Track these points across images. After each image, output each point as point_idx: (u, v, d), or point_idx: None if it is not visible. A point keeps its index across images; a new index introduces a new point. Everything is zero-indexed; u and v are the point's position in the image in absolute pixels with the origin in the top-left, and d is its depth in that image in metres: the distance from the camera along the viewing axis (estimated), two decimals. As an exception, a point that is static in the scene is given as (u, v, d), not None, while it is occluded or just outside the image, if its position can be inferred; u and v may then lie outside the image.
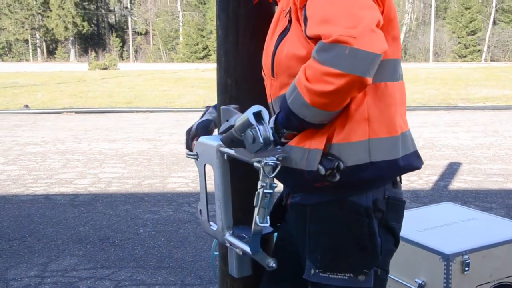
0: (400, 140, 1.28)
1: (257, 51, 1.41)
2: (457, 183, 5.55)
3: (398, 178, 1.37)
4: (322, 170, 1.20)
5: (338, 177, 1.22)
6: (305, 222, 1.33)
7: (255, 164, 1.17)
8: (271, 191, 1.14)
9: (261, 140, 1.06)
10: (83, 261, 3.62)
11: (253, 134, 1.08)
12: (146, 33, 55.78)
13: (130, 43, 54.72)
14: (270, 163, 1.13)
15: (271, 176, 1.14)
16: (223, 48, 1.52)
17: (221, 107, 1.23)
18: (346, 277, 1.30)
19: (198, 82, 19.64)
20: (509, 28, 43.17)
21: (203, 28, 47.58)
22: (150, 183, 5.70)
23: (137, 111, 12.11)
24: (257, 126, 1.06)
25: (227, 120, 1.18)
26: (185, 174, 6.10)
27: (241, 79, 1.51)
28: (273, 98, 1.35)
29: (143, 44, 54.91)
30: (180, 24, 51.98)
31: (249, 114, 1.07)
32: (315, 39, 1.16)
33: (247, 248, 1.33)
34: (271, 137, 1.08)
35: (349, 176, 1.23)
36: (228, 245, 1.42)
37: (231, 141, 1.17)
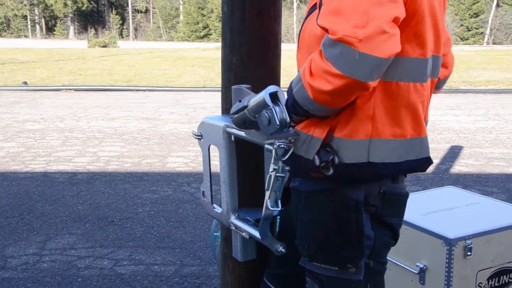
0: (406, 145, 1.22)
1: (264, 29, 1.36)
2: (458, 167, 5.52)
3: None
4: (317, 161, 1.17)
5: (331, 171, 1.18)
6: (299, 208, 1.30)
7: (267, 146, 1.13)
8: (283, 174, 1.10)
9: (278, 122, 1.02)
10: (81, 239, 3.60)
11: (269, 115, 1.03)
12: (146, 11, 55.35)
13: (130, 21, 54.31)
14: (283, 146, 1.09)
15: (284, 159, 1.10)
16: (229, 25, 1.48)
17: (233, 87, 1.18)
18: (336, 268, 1.27)
19: (198, 61, 19.51)
20: (513, 10, 42.80)
21: (203, 6, 47.19)
22: (150, 162, 5.67)
23: (136, 90, 12.03)
24: (273, 107, 1.02)
25: (240, 101, 1.13)
26: (185, 154, 6.07)
27: (246, 57, 1.46)
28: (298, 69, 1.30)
29: (143, 22, 54.53)
30: (181, 2, 51.54)
31: (265, 94, 1.02)
32: (324, 30, 1.11)
33: (255, 233, 1.30)
34: (287, 119, 1.03)
35: (343, 172, 1.19)
36: (233, 228, 1.39)
37: (243, 122, 1.13)
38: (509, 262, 2.42)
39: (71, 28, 52.64)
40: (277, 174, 1.09)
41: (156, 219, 4.00)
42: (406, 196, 1.33)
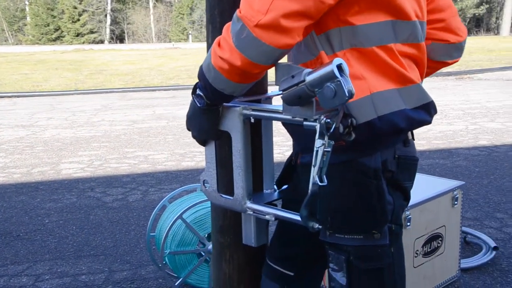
0: (402, 92, 1.26)
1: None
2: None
3: (410, 136, 1.37)
4: (341, 128, 1.19)
5: (353, 135, 1.20)
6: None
7: (308, 123, 1.13)
8: (329, 149, 1.10)
9: (347, 93, 1.02)
10: (-12, 259, 3.26)
11: (335, 88, 1.02)
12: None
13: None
14: (329, 120, 1.09)
15: (329, 133, 1.10)
16: (218, 8, 1.44)
17: (280, 63, 1.15)
18: (362, 236, 1.30)
19: (62, 64, 18.47)
20: None
21: (53, 7, 44.44)
22: (41, 171, 5.27)
23: (0, 97, 11.07)
24: (341, 78, 1.01)
25: (292, 76, 1.10)
26: (78, 159, 5.73)
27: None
28: None
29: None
30: (27, 2, 48.01)
31: (334, 66, 1.02)
32: None
33: (286, 214, 1.30)
34: (353, 90, 1.04)
35: (361, 135, 1.22)
36: (251, 213, 1.35)
37: (298, 98, 1.11)
38: (438, 228, 2.65)
39: None
40: (324, 149, 1.09)
41: (67, 228, 3.74)
42: (417, 160, 1.38)
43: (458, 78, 13.05)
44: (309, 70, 1.09)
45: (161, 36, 45.71)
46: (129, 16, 45.96)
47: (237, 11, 1.16)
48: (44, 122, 8.06)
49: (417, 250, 2.56)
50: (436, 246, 2.66)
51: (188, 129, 1.43)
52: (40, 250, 3.38)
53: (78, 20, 44.09)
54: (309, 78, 1.06)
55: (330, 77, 1.02)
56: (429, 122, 1.34)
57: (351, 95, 1.03)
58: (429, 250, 2.63)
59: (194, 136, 1.43)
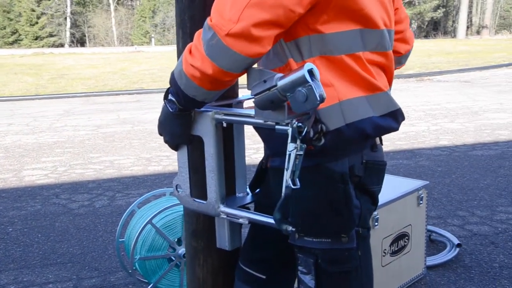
0: (370, 100, 1.28)
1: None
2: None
3: (378, 141, 1.39)
4: (312, 133, 1.21)
5: (323, 140, 1.23)
6: (282, 188, 1.32)
7: (280, 127, 1.14)
8: (301, 152, 1.12)
9: (318, 98, 1.04)
10: (-50, 270, 3.16)
11: (306, 92, 1.04)
12: None
13: None
14: (300, 124, 1.11)
15: (301, 137, 1.12)
16: (188, 12, 1.44)
17: (253, 68, 1.16)
18: (330, 240, 1.32)
19: (21, 68, 18.03)
20: None
21: (9, 10, 43.27)
22: (2, 178, 5.14)
23: (-44, 102, 10.75)
24: (312, 83, 1.03)
25: (264, 81, 1.12)
26: (41, 166, 5.61)
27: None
28: None
29: None
30: (-20, 4, 46.59)
31: (304, 71, 1.04)
32: None
33: (259, 217, 1.31)
34: (325, 95, 1.06)
35: (330, 141, 1.24)
36: (225, 216, 1.36)
37: (271, 102, 1.12)
38: (404, 227, 2.71)
39: None
40: (296, 153, 1.11)
41: (32, 236, 3.66)
42: (385, 164, 1.42)
43: (419, 80, 13.36)
44: (280, 75, 1.11)
45: (123, 39, 45.13)
46: (90, 19, 45.18)
47: (208, 19, 1.17)
48: (4, 128, 7.86)
49: (385, 249, 2.61)
50: (403, 245, 2.72)
51: (160, 134, 1.43)
52: (4, 259, 3.30)
53: (37, 23, 43.07)
54: (280, 83, 1.09)
55: (302, 81, 1.04)
56: (396, 129, 1.36)
57: (322, 99, 1.05)
58: (396, 249, 2.69)
59: (166, 141, 1.44)
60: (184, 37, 1.47)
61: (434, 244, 3.30)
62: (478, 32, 38.94)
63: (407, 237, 2.72)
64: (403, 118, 1.37)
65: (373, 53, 1.31)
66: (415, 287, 2.79)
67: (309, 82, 1.04)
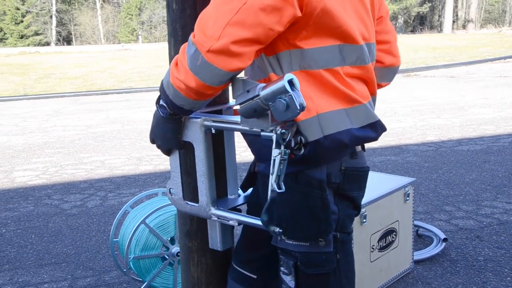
0: (349, 112, 1.32)
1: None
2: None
3: (359, 148, 1.44)
4: (293, 143, 1.27)
5: (303, 150, 1.29)
6: (267, 191, 1.38)
7: (265, 133, 1.20)
8: (286, 157, 1.18)
9: (298, 107, 1.10)
10: None
11: (287, 101, 1.10)
12: None
13: None
14: (284, 131, 1.17)
15: (284, 143, 1.18)
16: (180, 22, 1.50)
17: (238, 78, 1.22)
18: (308, 243, 1.39)
19: (8, 68, 17.91)
20: None
21: (-7, 9, 42.93)
22: (-6, 180, 5.16)
23: None
24: (292, 93, 1.09)
25: (248, 91, 1.18)
26: (32, 166, 5.63)
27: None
28: None
29: None
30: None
31: (285, 82, 1.09)
32: None
33: (248, 219, 1.36)
34: (305, 103, 1.12)
35: (309, 151, 1.30)
36: (216, 219, 1.42)
37: (254, 111, 1.18)
38: (392, 223, 2.79)
39: None
40: (281, 158, 1.17)
41: (26, 237, 3.70)
42: (366, 170, 1.47)
43: (406, 76, 13.48)
44: (263, 85, 1.17)
45: (110, 37, 44.89)
46: (76, 17, 44.89)
47: (192, 35, 1.24)
48: (-7, 129, 7.86)
49: (373, 245, 2.69)
50: (390, 240, 2.80)
51: (152, 140, 1.48)
52: (-1, 260, 3.34)
53: (22, 21, 42.73)
54: (262, 93, 1.14)
55: (282, 91, 1.10)
56: (375, 139, 1.41)
57: (302, 108, 1.11)
58: (384, 244, 2.76)
59: (158, 146, 1.49)
60: (176, 45, 1.52)
61: (421, 239, 3.39)
62: (464, 27, 39.22)
63: (394, 233, 2.80)
64: (382, 130, 1.42)
65: (353, 67, 1.36)
66: (403, 281, 2.87)
67: (289, 91, 1.09)
